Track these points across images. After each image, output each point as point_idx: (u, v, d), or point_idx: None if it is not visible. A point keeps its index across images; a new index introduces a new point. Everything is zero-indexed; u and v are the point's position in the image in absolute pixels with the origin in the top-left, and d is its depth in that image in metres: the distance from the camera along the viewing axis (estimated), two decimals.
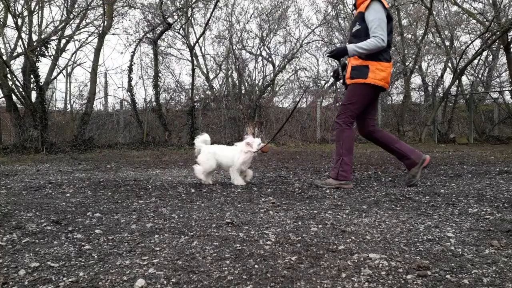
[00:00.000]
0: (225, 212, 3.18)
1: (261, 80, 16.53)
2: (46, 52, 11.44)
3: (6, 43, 11.65)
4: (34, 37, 11.88)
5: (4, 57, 10.73)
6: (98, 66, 12.45)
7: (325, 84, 18.27)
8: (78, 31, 12.92)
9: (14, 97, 11.27)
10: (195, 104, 14.73)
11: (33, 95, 11.32)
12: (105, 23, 12.37)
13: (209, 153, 4.73)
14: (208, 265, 1.97)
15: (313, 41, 17.35)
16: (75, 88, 17.63)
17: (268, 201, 3.61)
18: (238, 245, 2.29)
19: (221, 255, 2.11)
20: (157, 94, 13.85)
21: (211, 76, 16.61)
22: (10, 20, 11.49)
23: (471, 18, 14.41)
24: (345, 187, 4.34)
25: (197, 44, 15.47)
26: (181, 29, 15.01)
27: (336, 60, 4.67)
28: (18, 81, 11.30)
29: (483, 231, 2.55)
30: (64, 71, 13.17)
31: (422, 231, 2.57)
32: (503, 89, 16.53)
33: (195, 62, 15.13)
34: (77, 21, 12.63)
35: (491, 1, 13.57)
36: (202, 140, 4.85)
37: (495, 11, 12.85)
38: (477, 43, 15.06)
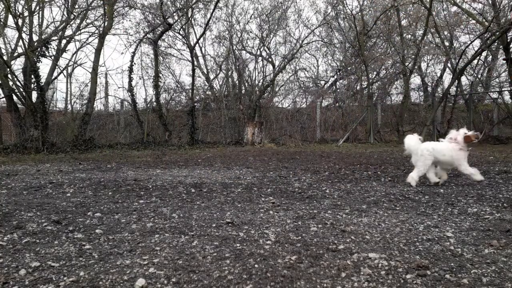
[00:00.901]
0: (225, 212, 3.18)
1: (261, 81, 16.55)
2: (46, 52, 11.45)
3: (6, 43, 11.68)
4: (35, 37, 11.91)
5: (5, 57, 10.74)
6: (99, 67, 12.47)
7: (324, 84, 18.29)
8: (79, 32, 12.95)
9: (14, 97, 11.28)
10: (195, 104, 14.75)
11: (34, 95, 11.33)
12: (106, 24, 12.38)
13: (427, 151, 4.30)
14: (208, 265, 1.98)
15: (313, 41, 17.36)
16: (75, 88, 17.61)
17: (268, 201, 3.62)
18: (238, 244, 2.30)
19: (221, 255, 2.12)
20: (158, 94, 13.87)
21: (211, 76, 16.64)
22: (10, 20, 11.52)
23: (470, 19, 14.41)
24: None
25: (197, 45, 15.50)
26: (181, 29, 15.03)
27: None
28: (19, 81, 11.32)
29: (483, 231, 2.56)
30: (64, 71, 13.20)
31: (421, 230, 2.58)
32: (503, 89, 16.54)
33: (195, 63, 15.15)
34: (78, 21, 12.65)
35: (490, 2, 13.58)
36: (415, 140, 4.40)
37: (495, 12, 12.85)
38: (477, 43, 15.05)
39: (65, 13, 12.18)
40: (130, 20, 29.30)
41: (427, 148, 4.32)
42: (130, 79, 13.53)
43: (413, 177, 4.37)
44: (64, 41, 12.59)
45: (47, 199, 3.80)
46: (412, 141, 4.41)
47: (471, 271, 1.87)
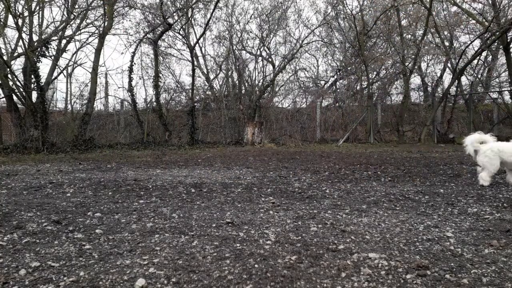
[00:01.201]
0: (225, 212, 3.19)
1: (261, 81, 16.55)
2: (46, 52, 11.45)
3: (7, 43, 11.68)
4: (35, 37, 11.91)
5: (5, 57, 10.74)
6: (99, 67, 12.47)
7: (324, 84, 18.29)
8: (79, 32, 12.95)
9: (14, 97, 11.28)
10: (195, 104, 14.75)
11: (34, 95, 11.33)
12: (106, 24, 12.38)
13: (492, 152, 4.18)
14: (208, 265, 1.98)
15: (313, 41, 17.36)
16: (75, 88, 17.61)
17: (268, 201, 3.62)
18: (238, 244, 2.30)
19: (221, 255, 2.12)
20: (158, 94, 13.87)
21: (211, 76, 16.64)
22: (10, 20, 11.52)
23: (470, 19, 14.42)
24: None
25: (197, 45, 15.50)
26: (181, 29, 15.03)
27: None
28: (19, 81, 11.32)
29: (483, 231, 2.56)
30: (64, 71, 13.20)
31: (421, 230, 2.58)
32: (503, 89, 16.54)
33: (195, 63, 15.15)
34: (78, 21, 12.65)
35: (490, 2, 13.58)
36: (477, 139, 4.24)
37: (495, 12, 12.86)
38: (477, 43, 15.07)
39: (65, 13, 12.18)
40: (130, 20, 29.33)
41: (492, 149, 4.21)
42: (130, 79, 13.53)
43: (483, 178, 4.29)
44: (64, 41, 12.59)
45: (47, 199, 3.80)
46: (472, 140, 4.30)
47: (471, 271, 1.87)
